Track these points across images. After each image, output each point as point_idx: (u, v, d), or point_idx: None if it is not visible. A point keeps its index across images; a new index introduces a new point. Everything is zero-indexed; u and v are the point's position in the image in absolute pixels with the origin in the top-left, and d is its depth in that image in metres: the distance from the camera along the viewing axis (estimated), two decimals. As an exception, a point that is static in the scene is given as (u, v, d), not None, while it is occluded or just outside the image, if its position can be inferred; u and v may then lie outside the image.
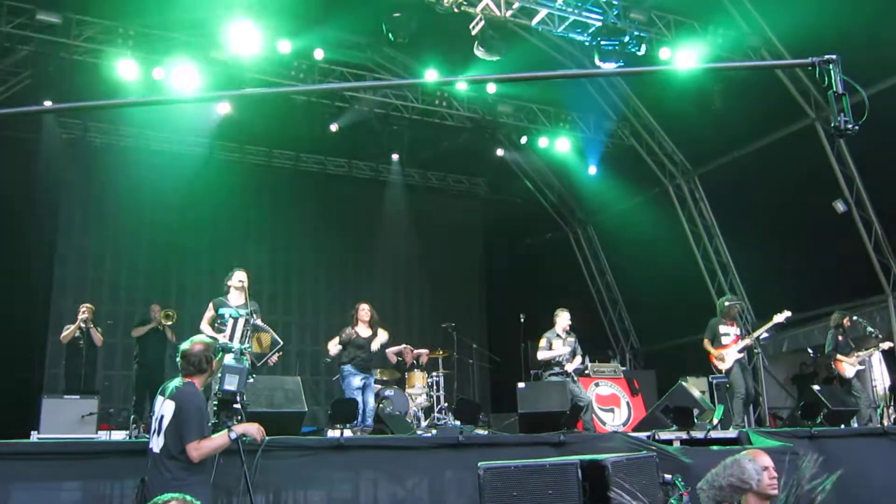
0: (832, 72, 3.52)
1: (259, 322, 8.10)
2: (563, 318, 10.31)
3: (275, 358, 8.37)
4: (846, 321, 11.00)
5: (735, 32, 12.42)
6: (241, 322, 7.93)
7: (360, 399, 9.23)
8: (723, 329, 10.01)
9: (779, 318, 10.06)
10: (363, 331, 9.69)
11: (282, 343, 8.19)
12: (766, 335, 14.23)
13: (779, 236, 13.22)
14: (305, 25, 12.33)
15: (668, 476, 6.28)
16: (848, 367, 10.71)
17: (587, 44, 12.23)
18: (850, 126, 3.50)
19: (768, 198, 13.22)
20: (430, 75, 13.72)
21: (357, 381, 9.48)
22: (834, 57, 3.48)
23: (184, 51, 12.31)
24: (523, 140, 15.89)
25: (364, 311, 9.76)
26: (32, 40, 11.62)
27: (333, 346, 9.79)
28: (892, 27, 10.46)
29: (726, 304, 10.38)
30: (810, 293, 12.94)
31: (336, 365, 10.23)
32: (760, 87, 12.70)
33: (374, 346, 9.72)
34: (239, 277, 8.18)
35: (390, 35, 11.35)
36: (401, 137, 15.72)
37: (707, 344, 10.08)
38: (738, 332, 10.14)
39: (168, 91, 12.19)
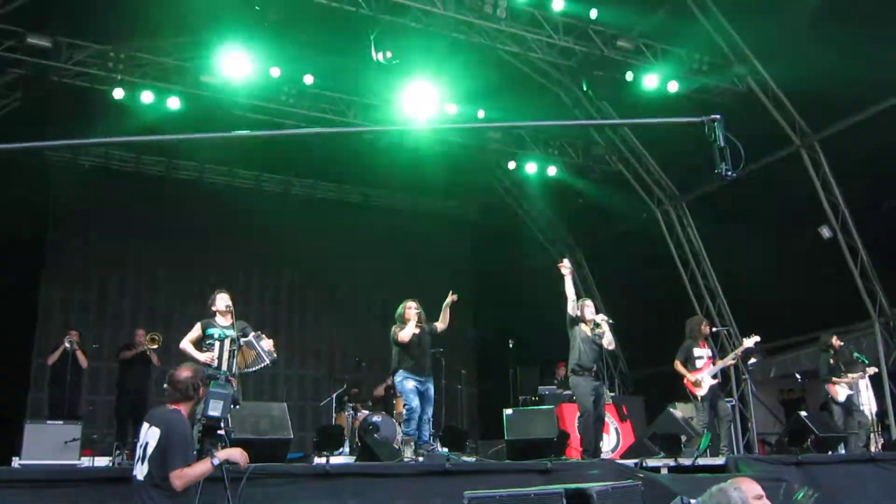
0: (717, 129, 4.44)
1: (252, 338, 7.94)
2: (587, 309, 8.93)
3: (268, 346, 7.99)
4: (836, 342, 10.99)
5: (721, 61, 12.58)
6: (227, 343, 7.82)
7: (417, 401, 8.58)
8: (697, 352, 9.74)
9: (748, 342, 9.94)
10: (413, 330, 8.76)
11: (267, 363, 7.98)
12: (753, 360, 14.34)
13: (766, 262, 13.27)
14: (295, 51, 12.41)
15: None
16: (841, 390, 10.71)
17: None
18: (730, 173, 4.44)
19: (755, 224, 13.29)
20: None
21: (411, 383, 8.64)
22: (718, 117, 4.45)
23: (174, 75, 12.37)
24: (512, 165, 15.94)
25: (411, 309, 8.84)
26: (23, 63, 11.60)
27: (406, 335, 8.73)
28: (872, 57, 10.59)
29: (695, 323, 10.13)
30: (797, 318, 12.99)
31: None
32: (746, 114, 12.83)
33: (440, 325, 8.96)
34: (223, 301, 8.10)
35: (381, 55, 11.44)
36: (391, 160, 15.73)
37: (679, 366, 9.70)
38: (710, 354, 9.96)
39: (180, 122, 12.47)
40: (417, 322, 8.82)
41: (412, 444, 8.48)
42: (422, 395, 8.72)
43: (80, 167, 15.02)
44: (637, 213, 16.06)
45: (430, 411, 8.83)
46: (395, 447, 9.33)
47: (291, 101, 13.29)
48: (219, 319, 8.05)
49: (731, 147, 4.45)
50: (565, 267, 8.81)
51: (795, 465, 8.33)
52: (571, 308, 8.85)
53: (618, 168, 15.82)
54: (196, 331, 8.00)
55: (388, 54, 11.53)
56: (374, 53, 11.33)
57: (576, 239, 18.20)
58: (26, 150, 12.32)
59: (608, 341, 8.92)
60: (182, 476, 4.49)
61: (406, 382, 8.67)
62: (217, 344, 7.79)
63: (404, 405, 8.87)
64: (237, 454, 4.87)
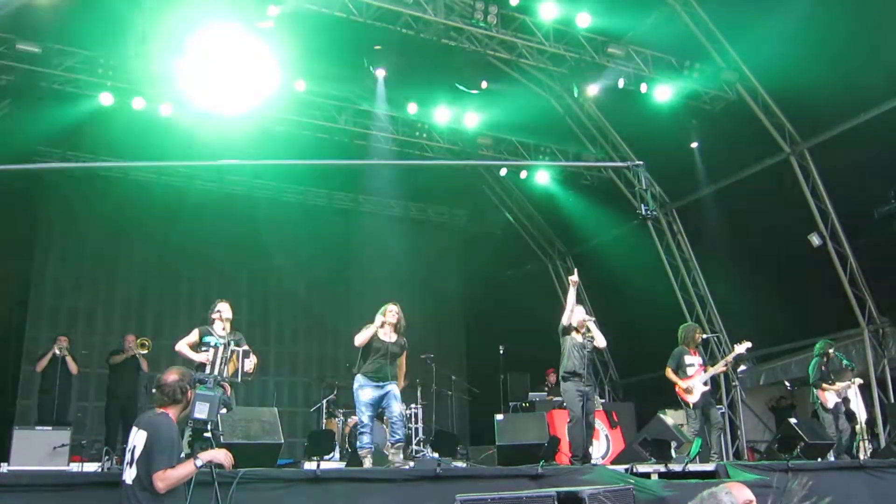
0: (640, 173, 5.32)
1: (241, 353, 7.89)
2: (578, 314, 8.94)
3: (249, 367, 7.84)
4: (830, 351, 10.99)
5: (711, 68, 12.63)
6: (221, 350, 7.80)
7: (369, 414, 8.17)
8: (688, 359, 9.72)
9: (739, 348, 9.91)
10: (387, 335, 8.40)
11: (238, 381, 7.89)
12: (743, 368, 14.39)
13: (756, 269, 13.31)
14: (286, 56, 12.38)
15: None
16: (831, 396, 10.72)
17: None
18: (650, 213, 5.27)
19: (745, 231, 13.34)
20: (411, 108, 13.93)
21: (367, 393, 8.14)
22: (641, 163, 5.28)
23: (163, 81, 12.32)
24: (503, 172, 15.98)
25: (392, 313, 8.44)
26: (13, 70, 11.57)
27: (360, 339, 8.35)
28: (860, 65, 10.67)
29: (689, 330, 10.15)
30: (787, 326, 13.04)
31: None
32: (736, 122, 12.92)
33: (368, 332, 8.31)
34: (226, 310, 8.17)
35: (371, 68, 11.49)
36: (382, 166, 15.75)
37: (671, 373, 9.71)
38: (701, 362, 9.92)
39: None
40: (394, 329, 8.44)
41: (369, 456, 8.15)
42: (384, 397, 8.20)
43: (70, 173, 14.95)
44: (627, 220, 16.10)
45: (396, 409, 8.21)
46: (386, 453, 9.29)
47: (281, 107, 13.29)
48: (217, 327, 8.08)
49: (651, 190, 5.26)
50: (574, 280, 8.90)
51: (785, 471, 8.35)
52: (567, 318, 8.86)
53: (608, 175, 15.86)
54: (194, 336, 8.04)
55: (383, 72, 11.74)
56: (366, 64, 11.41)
57: (566, 245, 18.22)
58: (11, 150, 12.34)
59: (598, 338, 8.92)
60: (164, 478, 4.47)
61: (361, 392, 8.17)
62: (212, 350, 7.78)
63: (358, 419, 8.43)
64: (221, 455, 4.84)
